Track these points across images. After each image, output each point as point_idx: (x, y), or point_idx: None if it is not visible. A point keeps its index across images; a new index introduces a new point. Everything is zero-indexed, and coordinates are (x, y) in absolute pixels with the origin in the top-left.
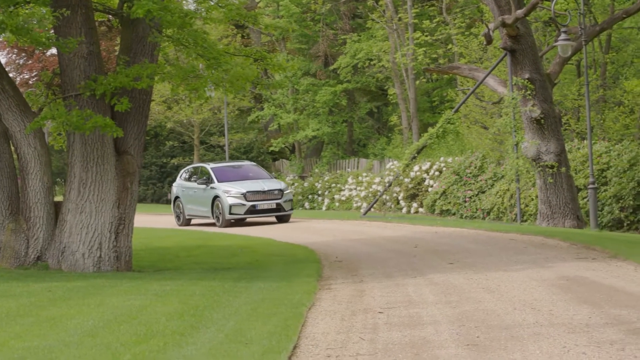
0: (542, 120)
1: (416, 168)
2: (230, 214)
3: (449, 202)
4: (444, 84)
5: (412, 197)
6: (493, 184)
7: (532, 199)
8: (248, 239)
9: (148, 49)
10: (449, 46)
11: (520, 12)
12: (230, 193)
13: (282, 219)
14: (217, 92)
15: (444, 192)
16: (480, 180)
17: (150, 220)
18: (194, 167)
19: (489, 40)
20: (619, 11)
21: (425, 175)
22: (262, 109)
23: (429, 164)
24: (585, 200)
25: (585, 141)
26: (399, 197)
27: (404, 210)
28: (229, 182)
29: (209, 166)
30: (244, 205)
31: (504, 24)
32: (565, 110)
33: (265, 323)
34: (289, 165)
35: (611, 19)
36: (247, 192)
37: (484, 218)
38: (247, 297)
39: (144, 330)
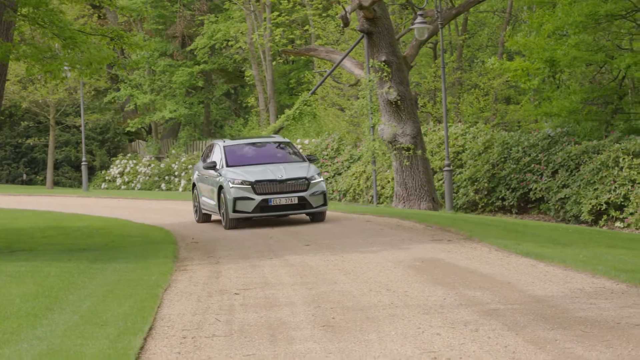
0: (399, 103)
1: None
2: (235, 211)
3: None
4: (301, 65)
5: None
6: (349, 166)
7: (389, 181)
8: (104, 220)
9: (3, 28)
10: (306, 28)
11: None
12: (235, 182)
13: (315, 218)
14: (73, 72)
15: None
16: (337, 162)
17: (5, 201)
18: (210, 145)
19: (346, 22)
20: None
21: None
22: (119, 89)
23: None
24: (440, 182)
25: (441, 124)
26: None
27: None
28: (241, 166)
29: (221, 143)
30: (251, 199)
31: (360, 7)
32: (421, 92)
33: (120, 304)
34: (146, 146)
35: (467, 3)
36: (257, 181)
37: (340, 200)
38: (103, 279)
39: None
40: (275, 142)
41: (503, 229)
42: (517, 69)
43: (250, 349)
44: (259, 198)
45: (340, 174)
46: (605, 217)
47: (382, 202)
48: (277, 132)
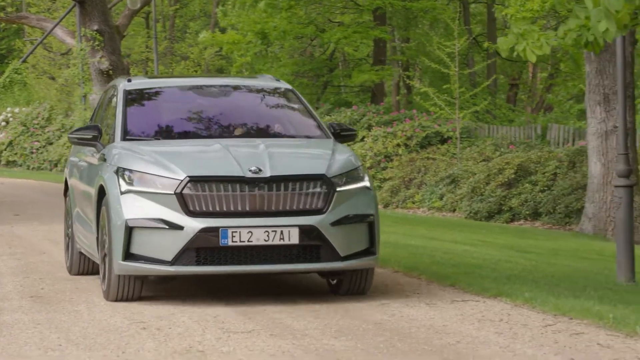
0: (111, 72)
1: None
2: (128, 256)
3: (16, 153)
4: (12, 33)
5: None
6: (61, 136)
7: None
8: None
9: None
10: None
11: None
12: (135, 180)
13: (344, 286)
14: None
15: (10, 142)
16: (48, 132)
17: None
18: (108, 89)
19: None
20: None
21: None
22: None
23: None
24: None
25: None
26: None
27: None
28: (158, 139)
29: (120, 85)
30: (174, 228)
31: None
32: (133, 62)
33: None
34: None
35: None
36: (192, 179)
37: (51, 169)
38: None
39: None
40: (256, 90)
41: None
42: (230, 41)
43: None
44: (194, 226)
45: (51, 144)
46: None
47: None
48: None
